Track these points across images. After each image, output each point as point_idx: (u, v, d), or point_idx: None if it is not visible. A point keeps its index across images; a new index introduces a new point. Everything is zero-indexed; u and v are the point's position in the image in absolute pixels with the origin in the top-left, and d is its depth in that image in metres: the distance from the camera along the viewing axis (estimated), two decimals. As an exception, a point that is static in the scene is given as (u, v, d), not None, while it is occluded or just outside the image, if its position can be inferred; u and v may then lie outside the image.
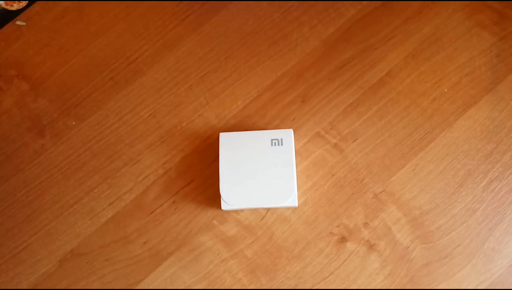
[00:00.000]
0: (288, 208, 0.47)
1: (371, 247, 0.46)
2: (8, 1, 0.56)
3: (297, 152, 0.48)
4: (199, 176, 0.48)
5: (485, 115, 0.48)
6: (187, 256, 0.46)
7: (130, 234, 0.47)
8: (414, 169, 0.47)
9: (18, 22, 0.55)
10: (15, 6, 0.56)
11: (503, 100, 0.48)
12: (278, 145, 0.45)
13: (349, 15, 0.52)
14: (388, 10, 0.52)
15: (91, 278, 0.46)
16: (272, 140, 0.45)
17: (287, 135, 0.45)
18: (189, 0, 0.54)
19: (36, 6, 0.55)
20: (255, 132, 0.45)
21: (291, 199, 0.43)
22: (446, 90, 0.49)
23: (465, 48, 0.50)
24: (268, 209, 0.47)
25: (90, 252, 0.47)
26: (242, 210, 0.47)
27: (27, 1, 0.56)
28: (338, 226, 0.46)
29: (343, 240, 0.46)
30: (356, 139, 0.49)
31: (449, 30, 0.51)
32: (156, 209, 0.48)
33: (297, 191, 0.44)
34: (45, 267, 0.47)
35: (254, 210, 0.47)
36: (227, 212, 0.47)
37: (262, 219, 0.47)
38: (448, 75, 0.50)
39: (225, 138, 0.45)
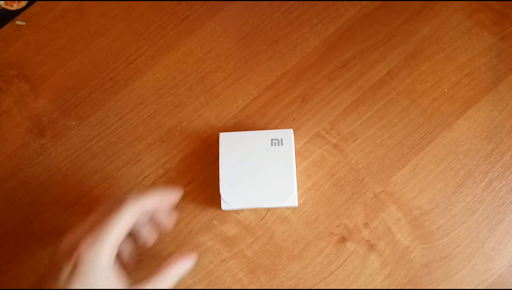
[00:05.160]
0: (288, 208, 0.47)
1: (371, 247, 0.46)
2: (8, 1, 0.56)
3: (297, 152, 0.48)
4: (199, 176, 0.48)
5: (485, 115, 0.48)
6: (187, 256, 0.46)
7: (130, 234, 0.47)
8: (414, 169, 0.47)
9: (18, 22, 0.55)
10: (15, 6, 0.56)
11: (503, 100, 0.48)
12: (278, 145, 0.45)
13: (349, 15, 0.52)
14: (388, 10, 0.52)
15: (91, 278, 0.46)
16: (272, 140, 0.45)
17: (287, 135, 0.45)
18: (189, 0, 0.54)
19: (36, 6, 0.55)
20: (255, 132, 0.45)
21: (291, 199, 0.43)
22: (446, 90, 0.49)
23: (465, 48, 0.50)
24: (268, 209, 0.47)
25: (90, 252, 0.47)
26: (242, 210, 0.47)
27: (27, 1, 0.56)
28: (338, 226, 0.46)
29: (343, 240, 0.46)
30: (356, 139, 0.49)
31: (449, 30, 0.51)
32: (156, 209, 0.48)
33: (297, 191, 0.44)
34: (46, 267, 0.47)
35: (254, 210, 0.47)
36: (227, 212, 0.47)
37: (262, 219, 0.47)
38: (448, 75, 0.50)
39: (225, 138, 0.45)
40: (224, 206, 0.43)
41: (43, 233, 0.48)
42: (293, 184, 0.43)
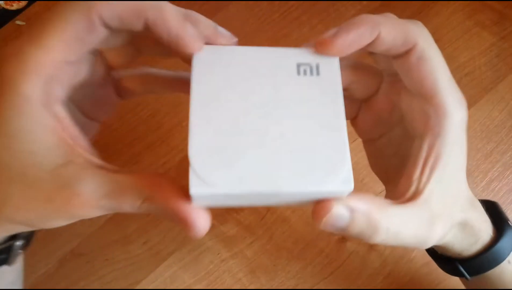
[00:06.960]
0: (288, 208, 0.47)
1: (371, 247, 0.46)
2: (8, 1, 0.56)
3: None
4: (199, 176, 0.48)
5: (485, 115, 0.48)
6: (187, 256, 0.46)
7: (130, 234, 0.47)
8: (414, 169, 0.47)
9: (18, 22, 0.55)
10: (15, 6, 0.56)
11: (503, 100, 0.48)
12: (311, 74, 0.24)
13: (349, 15, 0.52)
14: (388, 10, 0.52)
15: (91, 278, 0.46)
16: (299, 65, 0.24)
17: (329, 63, 0.25)
18: (189, 0, 0.54)
19: (36, 6, 0.55)
20: (269, 49, 0.26)
21: (344, 177, 0.21)
22: (446, 90, 0.49)
23: (465, 48, 0.50)
24: (268, 209, 0.47)
25: (90, 252, 0.47)
26: (242, 210, 0.47)
27: (27, 1, 0.56)
28: (338, 226, 0.46)
29: (343, 240, 0.46)
30: (356, 138, 0.48)
31: (449, 30, 0.51)
32: (156, 209, 0.48)
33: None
34: (45, 267, 0.47)
35: (254, 210, 0.47)
36: (228, 212, 0.47)
37: (262, 219, 0.47)
38: (448, 75, 0.50)
39: (207, 55, 0.25)
40: (193, 188, 0.20)
41: (43, 233, 0.48)
42: (344, 145, 0.22)
